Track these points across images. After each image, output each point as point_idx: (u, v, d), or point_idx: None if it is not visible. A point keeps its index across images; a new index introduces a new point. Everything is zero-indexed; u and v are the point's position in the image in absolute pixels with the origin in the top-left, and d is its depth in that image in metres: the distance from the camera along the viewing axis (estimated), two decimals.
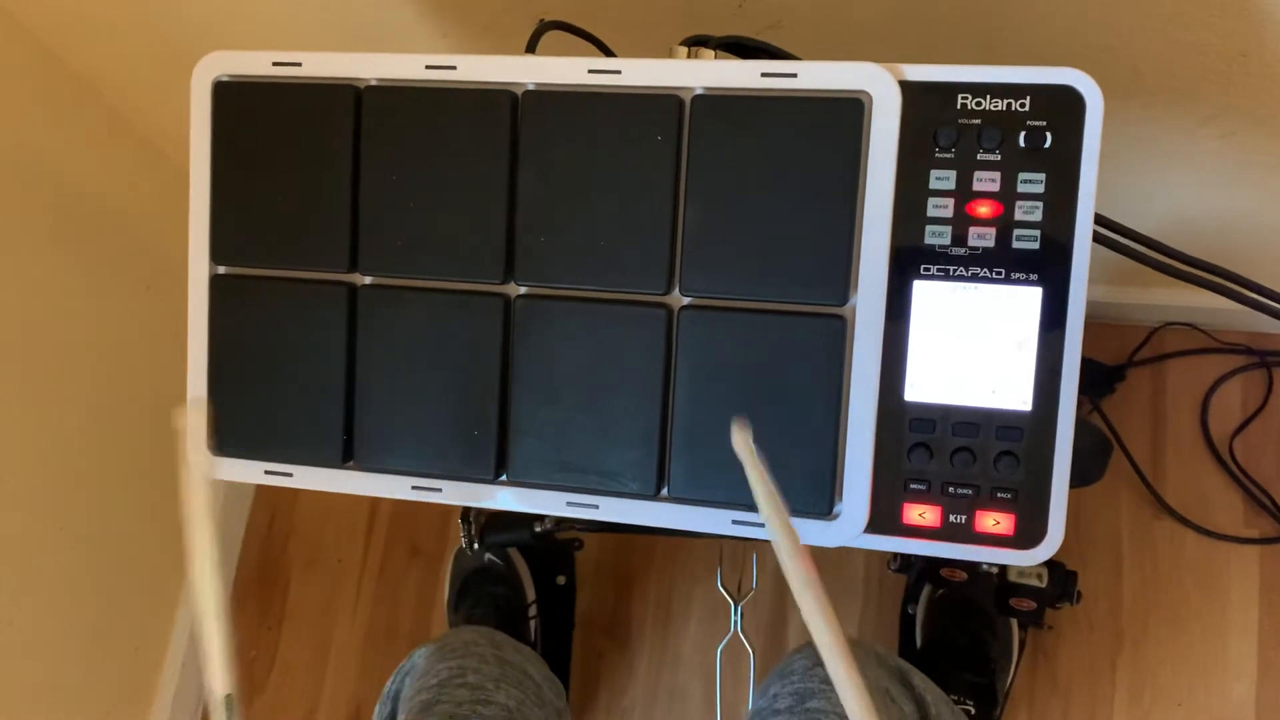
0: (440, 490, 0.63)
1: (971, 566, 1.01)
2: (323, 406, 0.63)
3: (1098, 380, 1.18)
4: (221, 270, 0.65)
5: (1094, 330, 0.89)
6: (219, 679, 0.46)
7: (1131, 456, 1.15)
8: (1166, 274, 0.67)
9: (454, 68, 0.61)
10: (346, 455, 0.64)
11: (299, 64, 0.62)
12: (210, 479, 0.49)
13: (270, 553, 1.35)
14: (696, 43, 0.62)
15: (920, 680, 0.76)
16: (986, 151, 0.55)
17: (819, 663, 0.72)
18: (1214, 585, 1.11)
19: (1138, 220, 0.69)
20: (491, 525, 1.08)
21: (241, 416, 0.65)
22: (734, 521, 0.59)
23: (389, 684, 0.81)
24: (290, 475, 0.65)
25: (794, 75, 0.57)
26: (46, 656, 1.08)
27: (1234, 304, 0.67)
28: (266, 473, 0.65)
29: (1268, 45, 0.72)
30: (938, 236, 0.56)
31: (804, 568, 0.44)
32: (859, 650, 0.75)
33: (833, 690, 0.71)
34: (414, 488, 0.63)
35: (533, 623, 1.14)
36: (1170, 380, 1.18)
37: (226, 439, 0.65)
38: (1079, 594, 1.00)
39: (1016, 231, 0.56)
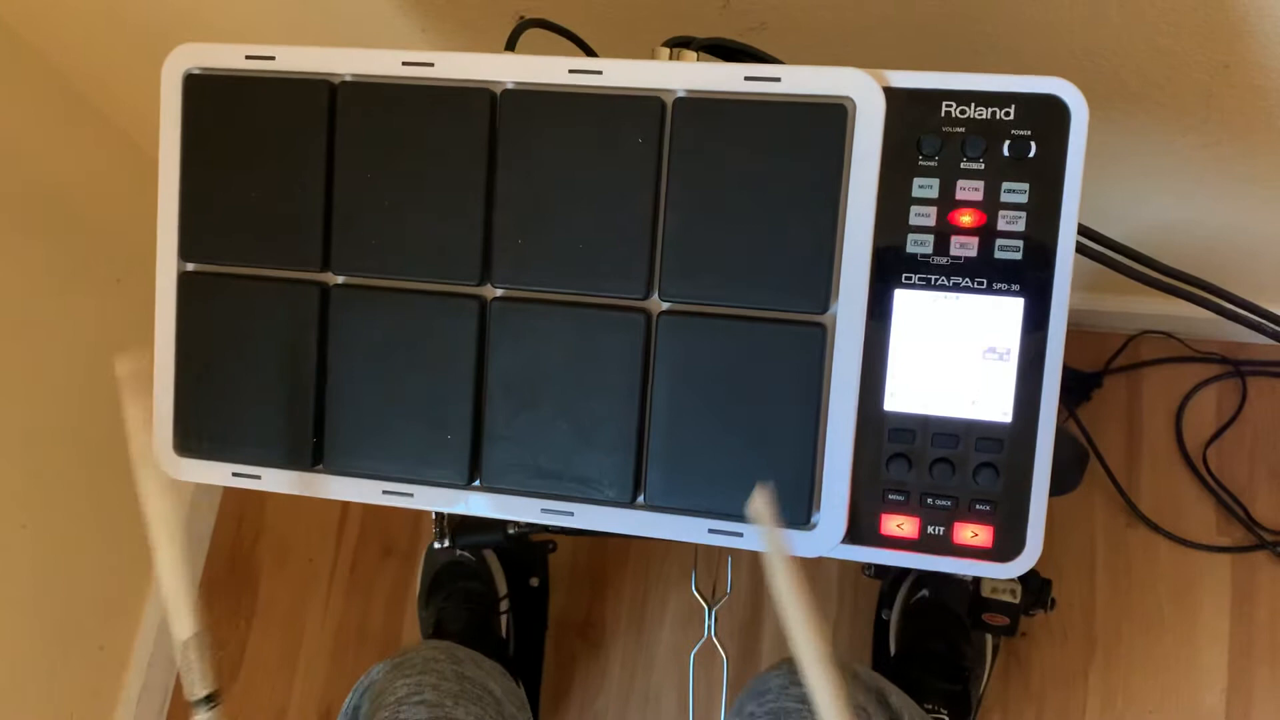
0: (412, 495, 0.62)
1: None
2: (292, 408, 0.62)
3: (1074, 387, 1.18)
4: (190, 267, 0.63)
5: (1071, 337, 0.88)
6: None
7: (1107, 464, 1.15)
8: (1144, 284, 0.67)
9: (431, 64, 0.59)
10: (316, 458, 0.63)
11: (272, 58, 0.61)
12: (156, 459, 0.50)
13: (240, 552, 1.33)
14: (679, 44, 0.61)
15: (897, 698, 0.75)
16: (970, 160, 0.55)
17: (794, 681, 0.71)
18: (1187, 593, 1.12)
19: (1116, 228, 0.68)
20: (464, 526, 1.07)
21: (209, 417, 0.63)
22: (710, 530, 0.58)
23: (349, 700, 0.80)
24: (258, 478, 0.63)
25: (777, 79, 0.56)
26: (10, 655, 1.06)
27: (1210, 313, 0.67)
28: (234, 475, 0.64)
29: (1250, 58, 0.72)
30: (920, 245, 0.56)
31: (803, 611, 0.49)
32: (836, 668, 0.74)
33: (808, 710, 0.70)
34: (385, 492, 0.62)
35: (504, 618, 1.13)
36: (1146, 388, 1.18)
37: (193, 440, 0.64)
38: (1053, 601, 1.00)
39: (999, 241, 0.55)
